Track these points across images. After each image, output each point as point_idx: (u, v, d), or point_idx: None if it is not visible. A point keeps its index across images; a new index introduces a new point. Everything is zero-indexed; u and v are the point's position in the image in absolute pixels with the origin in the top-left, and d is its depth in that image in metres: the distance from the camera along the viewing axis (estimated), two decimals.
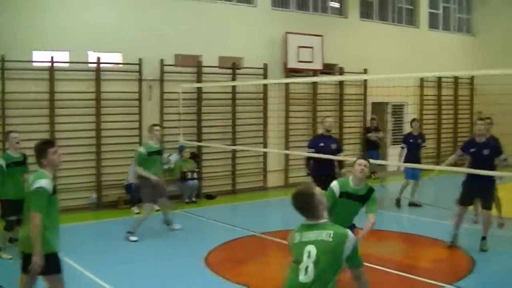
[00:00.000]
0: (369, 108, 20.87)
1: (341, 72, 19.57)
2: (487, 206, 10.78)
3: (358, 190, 8.14)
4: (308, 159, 12.36)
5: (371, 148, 19.83)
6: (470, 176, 10.64)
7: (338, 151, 12.48)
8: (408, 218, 14.59)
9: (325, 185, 11.21)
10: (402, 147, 15.44)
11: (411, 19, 23.10)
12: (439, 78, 22.76)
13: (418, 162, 14.93)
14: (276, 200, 16.56)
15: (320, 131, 12.61)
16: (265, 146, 17.54)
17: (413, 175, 15.20)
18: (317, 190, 5.10)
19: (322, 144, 12.20)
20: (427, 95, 22.75)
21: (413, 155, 15.02)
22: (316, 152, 12.01)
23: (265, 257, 10.91)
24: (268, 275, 9.63)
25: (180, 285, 9.11)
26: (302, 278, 4.85)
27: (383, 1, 22.06)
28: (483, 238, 10.78)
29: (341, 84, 19.82)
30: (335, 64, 19.73)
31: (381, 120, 21.27)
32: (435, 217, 13.81)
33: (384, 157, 20.98)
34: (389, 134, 21.79)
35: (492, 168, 10.52)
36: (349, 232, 5.00)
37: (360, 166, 8.07)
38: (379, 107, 21.32)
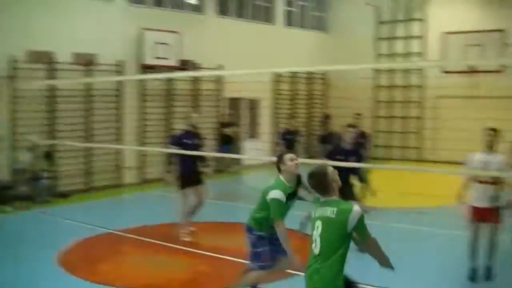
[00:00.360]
0: (225, 103, 21.15)
1: (197, 68, 19.71)
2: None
3: (293, 186, 7.46)
4: (170, 155, 11.85)
5: (226, 142, 20.21)
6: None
7: (201, 147, 12.09)
8: None
9: (191, 182, 11.54)
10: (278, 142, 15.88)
11: (268, 16, 23.63)
12: (294, 74, 23.47)
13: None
14: (132, 197, 16.50)
15: (183, 127, 12.20)
16: (121, 143, 17.40)
17: None
18: (330, 169, 5.63)
19: (186, 141, 11.63)
20: (281, 90, 23.37)
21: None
22: (181, 148, 11.47)
23: (121, 254, 10.84)
24: (125, 271, 9.67)
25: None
26: (314, 249, 5.42)
27: None
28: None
29: (197, 80, 19.97)
30: (192, 61, 19.85)
31: (236, 115, 21.70)
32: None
33: (240, 151, 21.40)
34: (244, 129, 22.23)
35: (355, 160, 10.56)
36: (354, 206, 5.37)
37: (293, 162, 7.35)
38: (235, 103, 21.71)
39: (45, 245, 11.14)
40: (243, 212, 14.44)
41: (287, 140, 15.80)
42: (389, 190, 14.57)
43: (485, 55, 20.18)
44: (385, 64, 18.98)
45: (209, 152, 15.23)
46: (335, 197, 5.53)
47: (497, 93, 19.15)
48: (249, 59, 20.08)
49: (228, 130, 20.22)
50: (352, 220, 5.30)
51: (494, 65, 18.25)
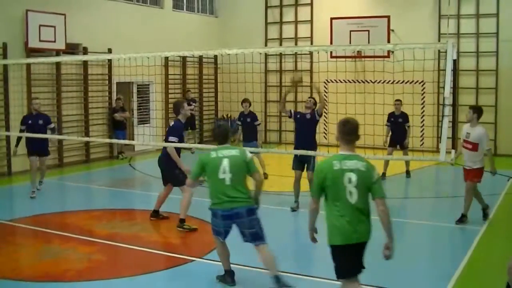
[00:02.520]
0: (114, 88, 20.76)
1: (85, 51, 19.23)
2: None
3: None
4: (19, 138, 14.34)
5: (118, 128, 19.94)
6: None
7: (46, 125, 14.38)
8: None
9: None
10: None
11: None
12: (184, 58, 23.31)
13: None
14: (20, 185, 15.84)
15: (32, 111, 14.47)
16: (7, 129, 16.72)
17: None
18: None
19: (30, 122, 14.15)
20: (173, 74, 23.17)
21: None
22: (27, 130, 14.06)
23: (13, 245, 10.44)
24: (18, 263, 9.38)
25: None
26: (351, 200, 6.08)
27: None
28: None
29: (85, 64, 19.44)
30: (79, 44, 19.33)
31: (127, 100, 21.38)
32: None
33: (131, 137, 21.15)
34: (135, 113, 21.94)
35: None
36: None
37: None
38: (124, 87, 21.37)
39: None
40: (138, 199, 14.47)
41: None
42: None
43: (371, 40, 20.73)
44: (274, 48, 19.13)
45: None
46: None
47: (382, 77, 19.71)
48: (137, 43, 19.86)
49: (117, 115, 19.87)
50: (374, 177, 6.19)
51: (379, 50, 18.74)
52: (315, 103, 13.17)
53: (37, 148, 14.22)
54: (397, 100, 16.26)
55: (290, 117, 13.25)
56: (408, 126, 16.41)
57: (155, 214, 11.76)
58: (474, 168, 10.97)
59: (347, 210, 6.07)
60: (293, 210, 12.48)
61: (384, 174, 15.66)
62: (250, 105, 16.71)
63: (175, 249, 10.08)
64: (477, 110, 11.25)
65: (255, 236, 7.68)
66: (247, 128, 16.42)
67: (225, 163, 7.67)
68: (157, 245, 10.29)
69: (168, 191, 11.62)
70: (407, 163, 16.51)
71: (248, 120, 16.46)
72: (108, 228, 11.25)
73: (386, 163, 15.91)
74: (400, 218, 11.25)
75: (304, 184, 12.37)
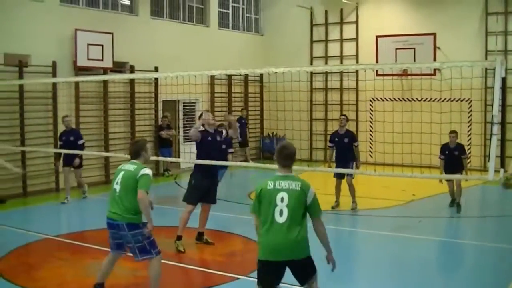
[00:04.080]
0: (160, 106, 20.95)
1: (132, 70, 19.48)
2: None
3: None
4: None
5: (164, 146, 20.11)
6: None
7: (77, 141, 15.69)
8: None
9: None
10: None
11: (201, 18, 23.53)
12: (229, 76, 23.43)
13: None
14: (70, 201, 16.06)
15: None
16: (55, 146, 16.99)
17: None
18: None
19: (64, 138, 15.73)
20: (219, 92, 23.30)
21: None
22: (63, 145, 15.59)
23: (60, 260, 10.58)
24: (64, 278, 9.47)
25: None
26: (279, 219, 6.30)
27: (174, 0, 22.27)
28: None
29: (132, 82, 19.73)
30: (126, 62, 19.61)
31: (173, 117, 21.55)
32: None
33: (177, 155, 21.29)
34: (181, 131, 22.08)
35: None
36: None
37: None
38: (171, 105, 21.55)
39: None
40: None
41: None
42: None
43: (417, 58, 20.57)
44: (320, 67, 19.15)
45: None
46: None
47: (429, 95, 19.53)
48: (183, 61, 20.03)
49: (163, 133, 20.05)
50: (309, 198, 6.38)
51: (426, 68, 18.60)
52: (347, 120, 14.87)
53: (69, 162, 15.74)
54: (452, 132, 14.68)
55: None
56: (465, 158, 14.65)
57: (200, 237, 11.56)
58: None
59: (273, 228, 6.33)
60: (333, 207, 14.43)
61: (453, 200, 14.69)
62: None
63: (220, 267, 10.07)
64: None
65: (141, 250, 7.90)
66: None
67: (120, 175, 7.97)
68: (202, 263, 10.31)
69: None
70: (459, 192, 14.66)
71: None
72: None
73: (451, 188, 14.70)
74: (448, 238, 11.09)
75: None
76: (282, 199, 6.30)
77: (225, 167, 14.82)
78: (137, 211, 7.86)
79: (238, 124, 21.08)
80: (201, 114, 11.73)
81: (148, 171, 7.92)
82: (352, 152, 14.55)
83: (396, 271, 9.99)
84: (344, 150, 14.48)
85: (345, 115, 15.17)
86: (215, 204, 11.48)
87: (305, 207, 6.35)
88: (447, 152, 14.61)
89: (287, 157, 6.56)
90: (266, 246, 6.37)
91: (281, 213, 6.28)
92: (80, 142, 15.79)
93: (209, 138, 11.22)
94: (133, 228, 7.84)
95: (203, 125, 11.31)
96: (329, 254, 6.53)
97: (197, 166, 11.27)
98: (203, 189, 11.10)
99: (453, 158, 14.46)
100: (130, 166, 8.01)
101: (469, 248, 11.27)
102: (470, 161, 19.54)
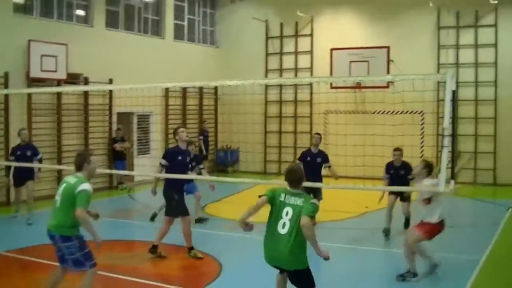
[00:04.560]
0: (114, 118, 20.80)
1: (86, 82, 19.31)
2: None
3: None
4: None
5: (118, 158, 19.96)
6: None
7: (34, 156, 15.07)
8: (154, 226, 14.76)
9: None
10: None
11: (157, 29, 23.45)
12: (184, 89, 23.37)
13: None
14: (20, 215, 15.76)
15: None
16: (6, 159, 16.66)
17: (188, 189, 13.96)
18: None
19: (19, 153, 14.93)
20: (173, 105, 23.21)
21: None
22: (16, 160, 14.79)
23: (8, 276, 10.37)
24: None
25: None
26: (281, 230, 6.96)
27: (129, 11, 22.18)
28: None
29: (86, 94, 19.53)
30: (80, 74, 19.42)
31: (127, 130, 21.40)
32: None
33: (130, 168, 21.14)
34: (135, 144, 21.95)
35: None
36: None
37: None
38: (125, 117, 21.41)
39: None
40: (137, 229, 14.42)
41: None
42: None
43: (371, 71, 20.82)
44: (274, 80, 19.26)
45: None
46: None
47: (382, 108, 19.76)
48: (138, 73, 19.95)
49: (117, 146, 19.91)
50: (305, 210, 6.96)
51: (379, 81, 18.85)
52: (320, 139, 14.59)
53: (21, 181, 15.03)
54: (396, 149, 13.53)
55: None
56: (411, 179, 12.53)
57: (154, 249, 11.45)
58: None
59: (275, 236, 6.99)
60: None
61: (387, 229, 13.37)
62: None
63: (173, 281, 10.00)
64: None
65: (75, 262, 7.89)
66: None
67: (62, 187, 7.93)
68: (156, 277, 10.21)
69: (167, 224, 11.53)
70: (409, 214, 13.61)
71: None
72: (107, 260, 11.15)
73: (389, 216, 13.47)
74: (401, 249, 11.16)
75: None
76: (287, 213, 6.98)
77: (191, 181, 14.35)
78: (73, 224, 7.79)
79: (201, 137, 21.28)
80: (177, 129, 11.78)
81: (86, 186, 7.79)
82: (321, 172, 14.17)
83: (352, 285, 10.06)
84: (314, 169, 13.76)
85: (319, 134, 14.70)
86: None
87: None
88: (391, 171, 13.44)
89: (293, 182, 7.19)
90: (267, 252, 7.14)
91: (283, 226, 6.95)
92: (38, 157, 15.21)
93: (180, 157, 11.42)
94: (66, 240, 7.79)
95: (176, 140, 11.58)
96: (317, 252, 6.94)
97: (170, 182, 11.32)
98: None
99: (398, 178, 13.08)
100: (72, 179, 7.93)
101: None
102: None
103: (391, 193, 13.45)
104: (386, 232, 13.22)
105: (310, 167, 13.45)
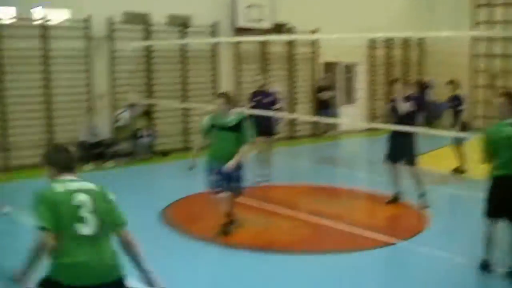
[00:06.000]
0: (320, 67, 20.81)
1: (292, 31, 19.35)
2: (409, 162, 10.74)
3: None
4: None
5: (323, 107, 19.96)
6: (393, 132, 10.78)
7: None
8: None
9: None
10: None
11: None
12: (389, 39, 22.62)
13: None
14: None
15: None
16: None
17: None
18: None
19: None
20: (377, 56, 22.58)
21: None
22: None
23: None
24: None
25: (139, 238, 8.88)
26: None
27: None
28: (421, 195, 10.76)
29: (291, 43, 19.67)
30: (286, 24, 19.47)
31: (332, 80, 21.32)
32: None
33: (336, 116, 21.01)
34: (340, 93, 21.76)
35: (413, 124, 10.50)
36: None
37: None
38: (330, 67, 21.30)
39: (147, 200, 11.42)
40: (341, 176, 14.41)
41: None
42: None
43: None
44: (484, 32, 17.98)
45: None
46: None
47: None
48: (346, 23, 19.53)
49: (324, 95, 19.96)
50: None
51: None
52: None
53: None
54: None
55: None
56: None
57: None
58: None
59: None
60: None
61: None
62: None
63: (378, 230, 9.69)
64: None
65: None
66: None
67: None
68: (359, 224, 9.96)
69: None
70: None
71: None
72: (312, 204, 11.24)
73: None
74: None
75: None
76: None
77: None
78: None
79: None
80: (394, 81, 11.24)
81: None
82: None
83: None
84: None
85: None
86: None
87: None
88: None
89: None
90: None
91: None
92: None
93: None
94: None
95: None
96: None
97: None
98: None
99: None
100: None
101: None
102: None
103: None
104: None
105: None
